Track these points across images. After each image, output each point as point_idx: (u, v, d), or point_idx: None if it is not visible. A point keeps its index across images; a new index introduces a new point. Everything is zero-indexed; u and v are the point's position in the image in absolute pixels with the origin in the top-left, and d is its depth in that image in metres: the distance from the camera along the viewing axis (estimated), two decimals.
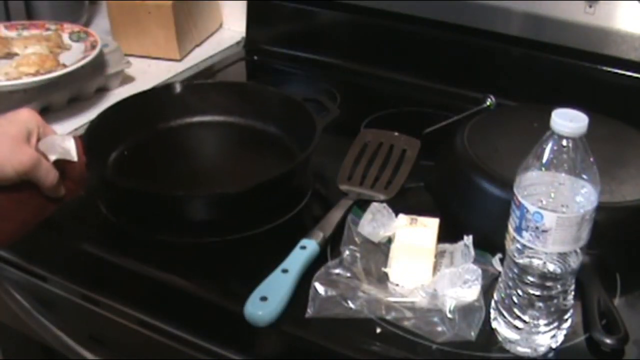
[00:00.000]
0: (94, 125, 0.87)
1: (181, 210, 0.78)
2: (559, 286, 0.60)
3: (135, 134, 0.90)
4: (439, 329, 0.64)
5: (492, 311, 0.64)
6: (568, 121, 0.55)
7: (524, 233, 0.58)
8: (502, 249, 0.63)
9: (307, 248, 0.71)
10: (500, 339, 0.63)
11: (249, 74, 1.24)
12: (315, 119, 0.85)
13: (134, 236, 0.78)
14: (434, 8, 1.08)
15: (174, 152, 0.91)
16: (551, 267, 0.59)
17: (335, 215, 0.77)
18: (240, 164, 0.88)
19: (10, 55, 1.06)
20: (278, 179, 0.78)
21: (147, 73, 1.16)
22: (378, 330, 0.65)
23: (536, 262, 0.59)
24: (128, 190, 0.79)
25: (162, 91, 0.98)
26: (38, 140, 0.67)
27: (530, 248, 0.58)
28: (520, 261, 0.60)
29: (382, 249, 0.73)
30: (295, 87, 1.16)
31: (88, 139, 0.83)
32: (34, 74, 0.98)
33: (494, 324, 0.64)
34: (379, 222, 0.74)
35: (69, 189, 0.70)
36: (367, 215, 0.75)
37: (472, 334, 0.63)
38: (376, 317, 0.66)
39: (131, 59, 1.13)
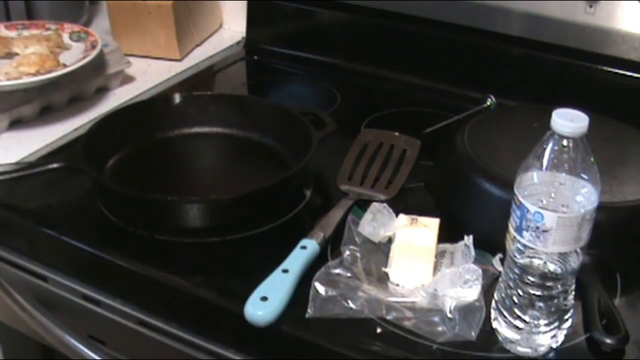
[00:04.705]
0: (93, 130, 0.88)
1: (174, 216, 0.78)
2: (559, 286, 0.60)
3: (133, 142, 0.91)
4: (440, 329, 0.64)
5: (492, 311, 0.64)
6: (568, 121, 0.55)
7: (525, 233, 0.58)
8: (502, 249, 0.63)
9: (308, 248, 0.71)
10: (500, 339, 0.63)
11: (249, 74, 1.24)
12: (312, 133, 0.86)
13: (134, 236, 0.78)
14: (434, 8, 1.08)
15: (171, 161, 0.91)
16: (551, 267, 0.59)
17: (335, 215, 0.77)
18: (236, 174, 0.89)
19: (10, 55, 1.06)
20: (268, 189, 0.79)
21: (147, 73, 1.16)
22: (378, 330, 0.65)
23: (536, 262, 0.59)
24: (119, 194, 0.80)
25: (161, 101, 0.99)
26: None
27: (531, 248, 0.58)
28: (521, 261, 0.60)
29: (383, 249, 0.73)
30: (295, 87, 1.16)
31: (87, 144, 0.84)
32: (34, 74, 0.97)
33: (495, 324, 0.64)
34: (379, 222, 0.74)
35: None
36: (368, 215, 0.75)
37: (473, 334, 0.63)
38: (376, 317, 0.65)
39: (131, 59, 1.13)
